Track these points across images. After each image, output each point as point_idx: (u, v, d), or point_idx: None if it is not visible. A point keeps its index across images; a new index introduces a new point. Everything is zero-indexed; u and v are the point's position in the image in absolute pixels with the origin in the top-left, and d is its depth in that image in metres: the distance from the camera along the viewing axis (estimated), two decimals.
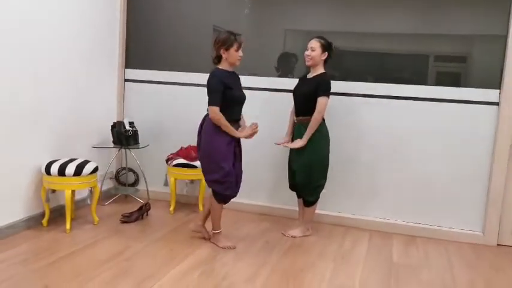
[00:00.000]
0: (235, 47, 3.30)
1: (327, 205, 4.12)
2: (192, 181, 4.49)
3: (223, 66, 3.39)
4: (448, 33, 3.93)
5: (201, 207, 4.39)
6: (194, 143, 4.15)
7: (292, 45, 4.32)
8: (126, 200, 4.62)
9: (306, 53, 3.66)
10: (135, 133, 4.45)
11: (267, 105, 4.27)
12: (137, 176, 4.74)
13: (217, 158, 3.33)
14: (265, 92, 4.29)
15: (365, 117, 4.09)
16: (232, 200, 3.55)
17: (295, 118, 3.78)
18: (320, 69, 3.67)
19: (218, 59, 3.40)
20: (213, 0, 4.49)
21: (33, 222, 3.70)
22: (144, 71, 4.66)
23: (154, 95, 4.64)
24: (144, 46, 4.67)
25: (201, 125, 3.45)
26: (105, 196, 4.51)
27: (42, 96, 3.75)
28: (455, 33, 3.94)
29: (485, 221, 3.90)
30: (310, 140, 3.61)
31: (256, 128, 3.43)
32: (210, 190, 3.50)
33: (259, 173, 4.32)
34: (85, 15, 4.16)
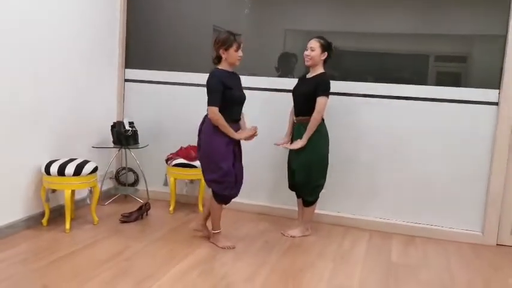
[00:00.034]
0: (234, 47, 3.30)
1: (326, 205, 4.12)
2: (191, 181, 4.50)
3: (223, 66, 3.40)
4: (448, 33, 3.93)
5: (200, 207, 4.39)
6: (194, 143, 4.15)
7: (292, 45, 4.32)
8: (125, 200, 4.63)
9: (306, 53, 3.67)
10: (135, 133, 4.46)
11: (266, 106, 4.27)
12: (137, 176, 4.75)
13: (216, 158, 3.33)
14: (265, 92, 4.30)
15: (365, 117, 4.09)
16: (232, 200, 3.55)
17: (294, 118, 3.79)
18: (319, 69, 3.68)
19: (218, 59, 3.40)
20: (213, 0, 4.49)
21: (33, 222, 3.71)
22: (143, 71, 4.66)
23: (154, 95, 4.65)
24: (144, 46, 4.68)
25: (201, 125, 3.46)
26: (105, 196, 4.52)
27: (42, 96, 3.76)
28: (455, 33, 3.94)
29: (485, 221, 3.90)
30: (309, 140, 3.61)
31: (256, 131, 3.44)
32: (210, 190, 3.50)
33: (259, 173, 4.32)
34: (85, 15, 4.17)
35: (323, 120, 3.67)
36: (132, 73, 4.69)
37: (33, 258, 3.16)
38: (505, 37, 3.74)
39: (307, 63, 3.69)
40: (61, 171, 3.61)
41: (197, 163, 4.13)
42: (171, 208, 4.31)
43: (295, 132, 3.75)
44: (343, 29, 4.21)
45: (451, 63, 4.09)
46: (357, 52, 4.25)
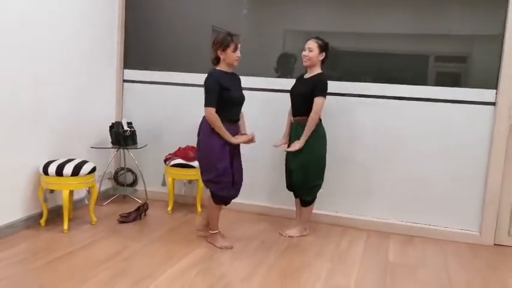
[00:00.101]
0: (232, 47, 3.31)
1: (324, 205, 4.13)
2: (190, 181, 4.51)
3: (221, 67, 3.41)
4: (448, 33, 3.93)
5: (199, 208, 4.40)
6: (192, 143, 4.17)
7: (292, 46, 4.32)
8: (124, 200, 4.64)
9: (304, 53, 3.68)
10: (133, 133, 4.47)
11: (265, 106, 4.28)
12: (135, 176, 4.76)
13: (213, 158, 3.34)
14: (264, 92, 4.30)
15: (363, 118, 4.10)
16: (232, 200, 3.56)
17: (292, 118, 3.80)
18: (317, 70, 3.69)
19: (217, 60, 3.41)
20: (212, 1, 4.50)
21: (32, 222, 3.72)
22: (142, 72, 4.67)
23: (152, 95, 4.65)
24: (142, 47, 4.68)
25: (200, 126, 3.47)
26: (104, 196, 4.53)
27: (42, 96, 3.77)
28: (454, 34, 3.93)
29: (482, 221, 3.91)
30: (307, 140, 3.62)
31: (253, 139, 3.47)
32: (208, 190, 3.51)
33: (257, 174, 4.32)
34: (85, 15, 4.18)
35: (320, 120, 3.68)
36: (131, 73, 4.70)
37: (31, 258, 3.17)
38: (501, 37, 3.74)
39: (305, 64, 3.70)
40: (59, 172, 3.62)
41: (195, 163, 4.14)
42: (169, 208, 4.32)
43: (293, 132, 3.76)
44: (343, 30, 4.21)
45: (450, 63, 4.09)
46: (356, 52, 4.25)
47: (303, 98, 3.65)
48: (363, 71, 4.16)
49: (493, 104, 3.82)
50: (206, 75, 3.37)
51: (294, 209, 4.00)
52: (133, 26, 4.67)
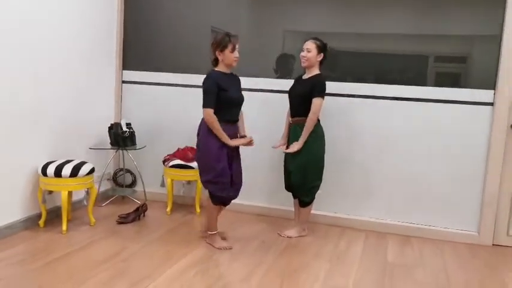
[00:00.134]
0: (229, 48, 3.31)
1: (322, 205, 4.13)
2: (188, 182, 4.52)
3: (220, 68, 3.41)
4: (447, 33, 3.94)
5: (197, 208, 4.40)
6: (190, 144, 4.19)
7: (292, 47, 4.31)
8: (123, 201, 4.64)
9: (302, 54, 3.68)
10: (132, 134, 4.47)
11: (265, 107, 4.28)
12: (134, 177, 4.76)
13: (211, 159, 3.34)
14: (263, 93, 4.31)
15: (361, 118, 4.10)
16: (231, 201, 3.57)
17: (290, 119, 3.80)
18: (315, 70, 3.69)
19: (216, 61, 3.42)
20: (211, 1, 4.51)
21: (31, 223, 3.72)
22: (141, 73, 4.67)
23: (151, 96, 4.66)
24: (141, 47, 4.69)
25: (200, 126, 3.47)
26: (103, 197, 4.53)
27: (42, 96, 3.77)
28: (454, 34, 3.94)
29: (481, 221, 3.92)
30: (305, 141, 3.63)
31: (252, 142, 3.47)
32: (207, 191, 3.51)
33: (256, 175, 4.33)
34: (85, 15, 4.19)
35: (319, 121, 3.69)
36: (130, 74, 4.70)
37: (29, 259, 3.17)
38: (499, 37, 3.75)
39: (303, 65, 3.71)
40: (58, 173, 3.62)
41: (194, 164, 4.14)
42: (168, 209, 4.32)
43: (291, 133, 3.77)
44: (343, 30, 4.22)
45: (450, 63, 4.10)
46: (355, 53, 4.25)
47: (301, 99, 3.66)
48: (362, 71, 4.16)
49: (491, 104, 3.82)
50: (205, 76, 3.38)
51: (293, 209, 4.00)
52: (133, 26, 4.67)
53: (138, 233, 3.79)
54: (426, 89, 3.97)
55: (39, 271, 2.99)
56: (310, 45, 3.65)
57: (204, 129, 3.36)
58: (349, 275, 3.18)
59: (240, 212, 4.34)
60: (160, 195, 4.56)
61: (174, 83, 4.57)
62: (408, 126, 4.01)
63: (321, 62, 3.71)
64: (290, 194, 3.93)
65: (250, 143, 3.49)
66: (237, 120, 3.52)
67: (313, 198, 3.80)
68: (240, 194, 3.57)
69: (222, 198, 3.46)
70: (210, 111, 3.29)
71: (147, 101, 4.67)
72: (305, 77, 3.74)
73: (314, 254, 3.53)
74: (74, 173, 3.66)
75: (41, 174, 3.65)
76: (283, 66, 4.36)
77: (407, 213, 4.07)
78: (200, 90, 3.38)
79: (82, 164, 3.77)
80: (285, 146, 3.82)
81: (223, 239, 3.63)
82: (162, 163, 4.38)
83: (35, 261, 3.12)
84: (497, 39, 3.77)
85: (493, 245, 3.92)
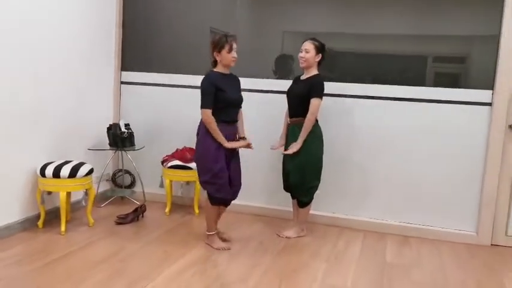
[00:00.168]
0: (226, 48, 3.32)
1: (321, 206, 4.14)
2: (187, 183, 4.52)
3: (218, 68, 3.42)
4: (446, 34, 3.94)
5: (196, 209, 4.41)
6: (189, 145, 4.19)
7: (291, 47, 4.31)
8: (122, 202, 4.64)
9: (300, 54, 3.69)
10: (131, 135, 4.47)
11: (263, 107, 4.29)
12: (133, 178, 4.77)
13: (208, 159, 3.35)
14: (262, 93, 4.31)
15: (360, 119, 4.11)
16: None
17: (288, 119, 3.80)
18: (314, 71, 3.70)
19: (215, 62, 3.43)
20: (211, 2, 4.51)
21: (29, 224, 3.72)
22: (139, 73, 4.68)
23: (149, 97, 4.67)
24: (140, 48, 4.70)
25: (199, 126, 3.47)
26: (102, 198, 4.54)
27: (42, 96, 3.78)
28: (452, 34, 3.95)
29: (479, 221, 3.92)
30: (304, 142, 3.63)
31: (250, 145, 3.49)
32: (205, 192, 3.51)
33: (254, 175, 4.33)
34: (85, 16, 4.20)
35: (317, 121, 3.69)
36: (128, 75, 4.71)
37: (28, 259, 3.17)
38: (498, 37, 3.76)
39: (301, 65, 3.72)
40: (56, 173, 3.63)
41: (192, 165, 4.15)
42: (167, 210, 4.33)
43: (290, 133, 3.77)
44: (342, 30, 4.22)
45: (449, 64, 4.10)
46: (354, 53, 4.26)
47: (300, 99, 3.66)
48: (361, 72, 4.17)
49: (490, 104, 3.83)
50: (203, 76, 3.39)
51: (291, 210, 4.01)
52: (132, 27, 4.68)
53: (137, 234, 3.79)
54: (425, 89, 3.98)
55: (38, 272, 2.99)
56: (309, 45, 3.65)
57: (203, 130, 3.37)
58: (348, 275, 3.18)
59: (238, 212, 4.34)
60: (159, 196, 4.57)
61: (173, 83, 4.58)
62: (407, 127, 4.02)
63: (319, 63, 3.71)
64: (288, 194, 3.93)
65: (248, 147, 3.49)
66: (236, 120, 3.52)
67: (312, 198, 3.81)
68: (238, 194, 3.57)
69: (220, 199, 3.46)
70: (208, 111, 3.30)
71: (146, 102, 4.68)
72: (303, 77, 3.75)
73: (312, 254, 3.54)
74: (73, 173, 3.67)
75: (40, 175, 3.66)
76: (282, 67, 4.36)
77: (406, 213, 4.08)
78: (198, 91, 3.38)
79: (81, 164, 3.77)
80: (283, 148, 3.82)
81: (225, 239, 3.63)
82: (160, 164, 4.38)
83: (34, 262, 3.12)
84: (495, 40, 3.77)
85: (492, 245, 3.92)
